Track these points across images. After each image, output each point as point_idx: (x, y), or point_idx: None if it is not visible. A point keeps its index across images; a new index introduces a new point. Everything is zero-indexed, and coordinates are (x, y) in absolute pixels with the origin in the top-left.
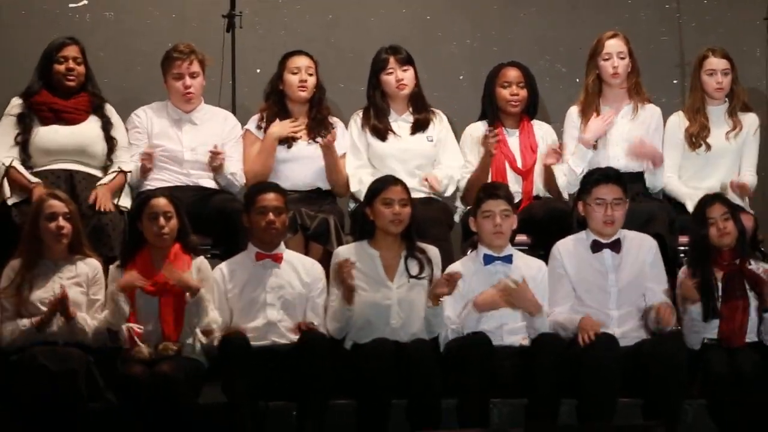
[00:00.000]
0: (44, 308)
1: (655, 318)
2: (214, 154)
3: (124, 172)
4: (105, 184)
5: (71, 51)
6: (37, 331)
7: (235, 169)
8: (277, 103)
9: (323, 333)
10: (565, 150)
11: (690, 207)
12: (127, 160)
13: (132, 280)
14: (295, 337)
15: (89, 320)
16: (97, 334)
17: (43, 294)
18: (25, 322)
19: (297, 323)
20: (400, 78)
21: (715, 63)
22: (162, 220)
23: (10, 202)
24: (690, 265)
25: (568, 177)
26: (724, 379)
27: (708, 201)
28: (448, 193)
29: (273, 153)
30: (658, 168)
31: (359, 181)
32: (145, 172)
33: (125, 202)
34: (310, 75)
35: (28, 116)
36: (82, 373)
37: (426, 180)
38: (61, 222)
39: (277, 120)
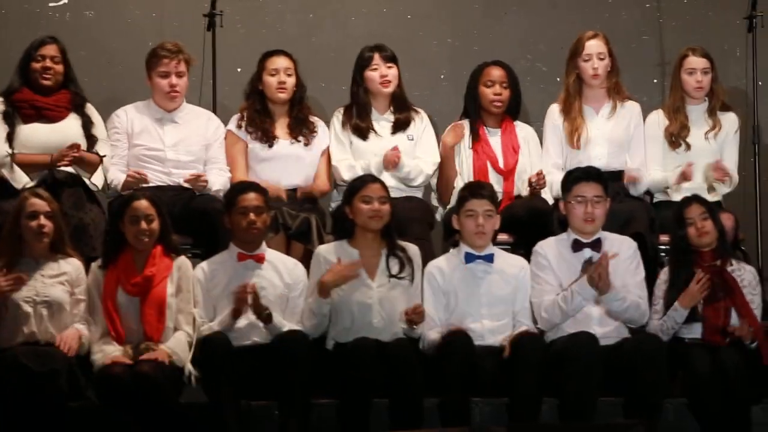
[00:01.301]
0: (27, 307)
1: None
2: (196, 178)
3: (100, 156)
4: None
5: (50, 50)
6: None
7: (222, 178)
8: (257, 103)
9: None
10: (545, 151)
11: (671, 181)
12: (107, 150)
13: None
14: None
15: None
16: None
17: (25, 293)
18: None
19: None
20: (384, 74)
21: (695, 62)
22: (144, 223)
23: (27, 186)
24: (670, 266)
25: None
26: (707, 377)
27: (685, 202)
28: (416, 183)
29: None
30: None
31: (349, 167)
32: (126, 188)
33: (97, 180)
34: (289, 76)
35: (11, 114)
36: (64, 372)
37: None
38: (43, 220)
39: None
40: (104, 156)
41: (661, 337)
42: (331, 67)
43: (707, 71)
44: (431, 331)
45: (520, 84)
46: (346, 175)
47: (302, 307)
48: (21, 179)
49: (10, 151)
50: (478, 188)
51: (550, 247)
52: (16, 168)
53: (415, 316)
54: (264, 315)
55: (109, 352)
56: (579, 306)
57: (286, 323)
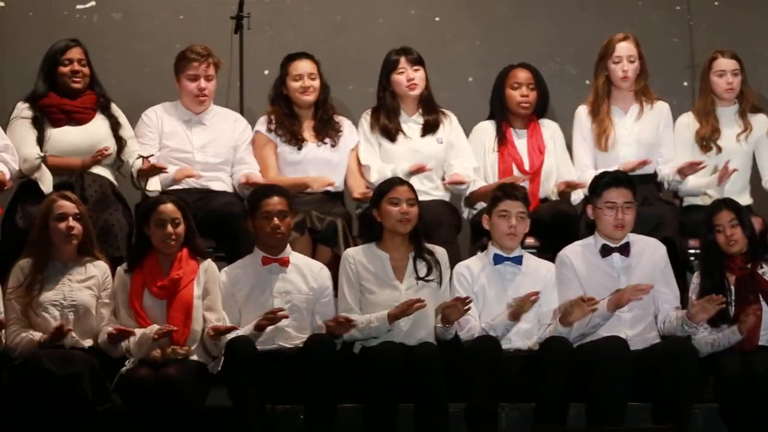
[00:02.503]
0: (54, 310)
1: (688, 315)
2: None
3: (146, 158)
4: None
5: (75, 53)
6: (40, 347)
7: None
8: (283, 107)
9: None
10: (574, 154)
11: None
12: (140, 149)
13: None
14: (302, 341)
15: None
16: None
17: (52, 296)
18: (35, 336)
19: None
20: (411, 78)
21: (725, 64)
22: (170, 227)
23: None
24: (701, 271)
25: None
26: (738, 382)
27: (715, 207)
28: (471, 188)
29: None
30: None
31: (378, 171)
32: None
33: (155, 185)
34: (313, 79)
35: (40, 119)
36: (87, 375)
37: (450, 183)
38: (71, 222)
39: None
40: (151, 156)
41: (706, 351)
42: (358, 70)
43: (737, 73)
44: (471, 323)
45: (548, 86)
46: (374, 177)
47: (331, 311)
48: (49, 183)
49: (41, 153)
50: (512, 189)
51: (576, 254)
52: (45, 171)
53: (451, 311)
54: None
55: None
56: (597, 327)
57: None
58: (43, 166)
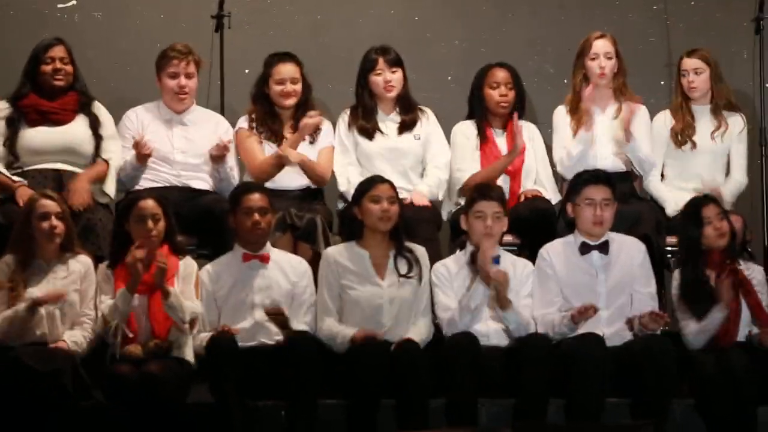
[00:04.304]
0: (40, 309)
1: (640, 324)
2: (222, 148)
3: (106, 161)
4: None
5: (58, 51)
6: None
7: (233, 168)
8: (264, 106)
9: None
10: (554, 151)
11: (670, 210)
12: (114, 150)
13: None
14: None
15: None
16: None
17: (38, 293)
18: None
19: None
20: (388, 79)
21: (688, 63)
22: (150, 223)
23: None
24: (681, 267)
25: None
26: (714, 378)
27: (702, 201)
28: (440, 197)
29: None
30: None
31: (347, 181)
32: (141, 159)
33: (109, 189)
34: (295, 83)
35: (16, 119)
36: (68, 372)
37: (412, 203)
38: (54, 221)
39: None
40: (109, 159)
41: (701, 340)
42: (339, 69)
43: (699, 71)
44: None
45: (526, 85)
46: (343, 187)
47: (309, 304)
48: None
49: None
50: (487, 190)
51: (556, 252)
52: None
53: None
54: (280, 321)
55: None
56: (563, 335)
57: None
58: None
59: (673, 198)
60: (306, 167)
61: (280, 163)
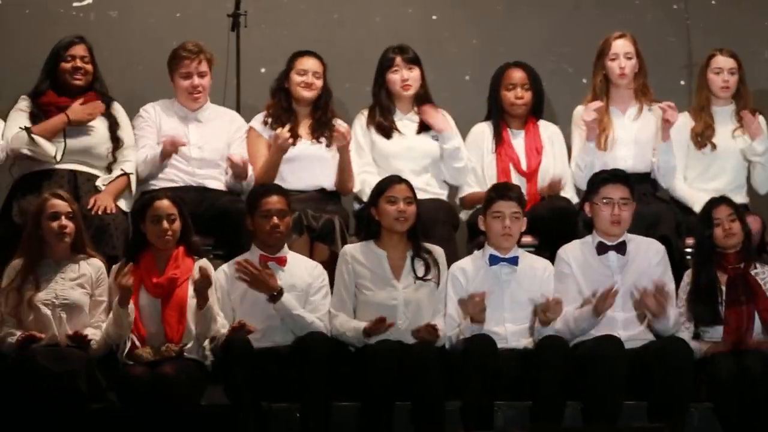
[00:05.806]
0: (46, 309)
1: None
2: (240, 163)
3: (128, 175)
4: (105, 185)
5: (79, 50)
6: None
7: (253, 179)
8: (283, 101)
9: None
10: (573, 152)
11: (698, 209)
12: (132, 161)
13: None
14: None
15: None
16: (101, 347)
17: (44, 295)
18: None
19: None
20: (405, 78)
21: (723, 61)
22: (165, 223)
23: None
24: (694, 268)
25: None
26: (730, 382)
27: (714, 202)
28: (460, 162)
29: (278, 165)
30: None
31: (362, 182)
32: (165, 157)
33: (123, 205)
34: (317, 78)
35: (37, 116)
36: (83, 373)
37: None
38: (64, 221)
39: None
40: (131, 174)
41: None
42: (355, 68)
43: (734, 71)
44: (454, 332)
45: (544, 85)
46: (357, 187)
47: (324, 307)
48: (49, 150)
49: (22, 126)
50: (505, 190)
51: (574, 252)
52: (40, 141)
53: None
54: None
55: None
56: (584, 331)
57: (308, 315)
58: (37, 138)
59: (699, 199)
60: (344, 154)
61: (279, 150)
